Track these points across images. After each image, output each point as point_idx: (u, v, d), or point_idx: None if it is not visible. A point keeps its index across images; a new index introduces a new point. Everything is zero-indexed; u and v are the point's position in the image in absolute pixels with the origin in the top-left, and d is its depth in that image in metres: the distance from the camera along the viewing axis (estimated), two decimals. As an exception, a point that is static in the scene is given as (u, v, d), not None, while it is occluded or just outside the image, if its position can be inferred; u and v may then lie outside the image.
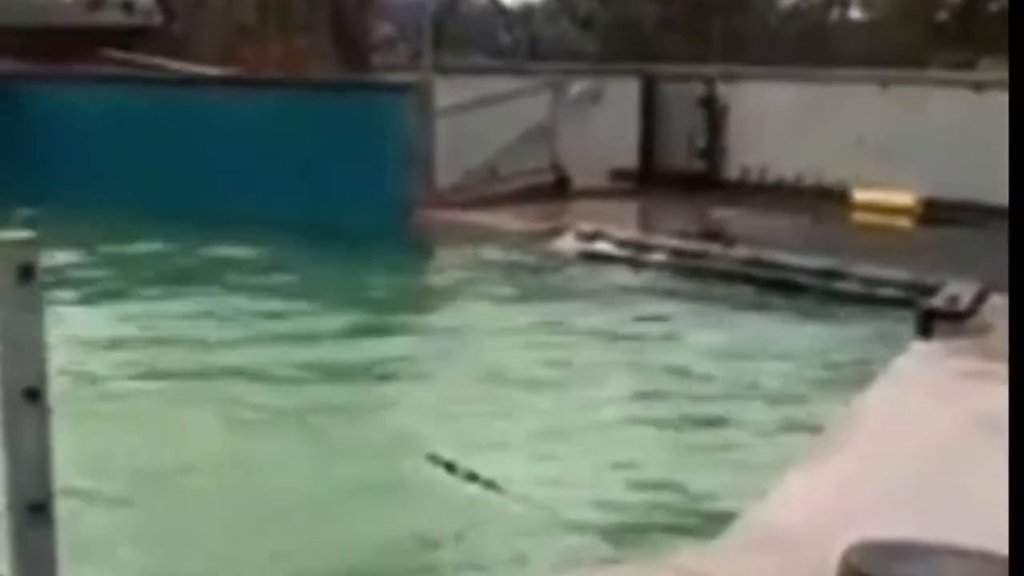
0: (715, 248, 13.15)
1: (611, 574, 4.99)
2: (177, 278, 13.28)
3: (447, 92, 16.55)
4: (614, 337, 10.94)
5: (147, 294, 12.71)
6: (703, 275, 12.58)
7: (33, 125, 17.16)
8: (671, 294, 12.23)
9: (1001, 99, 15.59)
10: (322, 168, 15.82)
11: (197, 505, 6.75)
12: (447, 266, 14.59)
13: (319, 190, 15.55)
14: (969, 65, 17.11)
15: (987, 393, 7.97)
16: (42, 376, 2.95)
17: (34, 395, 2.96)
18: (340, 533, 6.07)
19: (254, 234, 14.33)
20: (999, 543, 3.28)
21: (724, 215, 15.45)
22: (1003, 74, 17.35)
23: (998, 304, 10.24)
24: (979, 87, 15.73)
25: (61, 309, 10.90)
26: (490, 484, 5.50)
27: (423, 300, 13.15)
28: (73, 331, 10.03)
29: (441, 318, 12.16)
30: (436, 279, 14.39)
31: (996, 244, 13.54)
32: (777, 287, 11.87)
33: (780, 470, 6.32)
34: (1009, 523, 3.16)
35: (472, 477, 5.50)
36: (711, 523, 6.03)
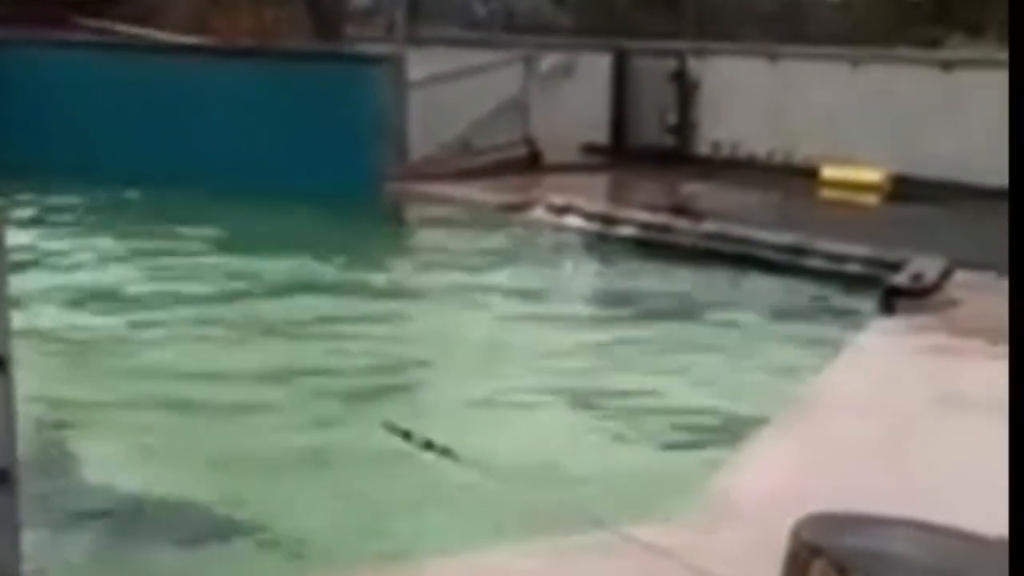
0: (683, 222, 13.24)
1: (569, 546, 5.06)
2: (146, 239, 13.35)
3: (421, 64, 16.56)
4: (573, 304, 11.06)
5: (121, 256, 12.75)
6: (671, 249, 12.66)
7: (5, 90, 17.09)
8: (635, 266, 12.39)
9: (968, 78, 15.83)
10: (294, 139, 15.81)
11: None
12: (417, 237, 14.65)
13: (290, 160, 15.54)
14: (937, 43, 17.20)
15: (950, 369, 8.10)
16: (6, 344, 2.96)
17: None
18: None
19: (224, 201, 14.35)
20: (956, 516, 3.37)
21: (694, 190, 15.56)
22: (970, 53, 17.43)
23: (963, 281, 10.37)
24: (947, 66, 15.84)
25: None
26: (445, 451, 5.56)
27: (390, 270, 13.16)
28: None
29: (408, 286, 12.22)
30: (405, 250, 14.43)
31: (962, 222, 13.80)
32: (744, 262, 11.97)
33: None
34: (1009, 521, 3.24)
35: (428, 445, 5.55)
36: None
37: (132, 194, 14.97)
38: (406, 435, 5.48)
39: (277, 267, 12.20)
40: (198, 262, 12.38)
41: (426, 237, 14.50)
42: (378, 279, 12.31)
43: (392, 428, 5.56)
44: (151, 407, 7.82)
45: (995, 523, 3.30)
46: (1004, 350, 8.31)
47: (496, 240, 13.59)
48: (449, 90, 16.79)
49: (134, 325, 10.08)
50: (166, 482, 6.46)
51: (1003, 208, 14.28)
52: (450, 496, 5.73)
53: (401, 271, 12.95)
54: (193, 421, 7.59)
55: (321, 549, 5.43)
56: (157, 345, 9.49)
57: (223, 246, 13.20)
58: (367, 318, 10.45)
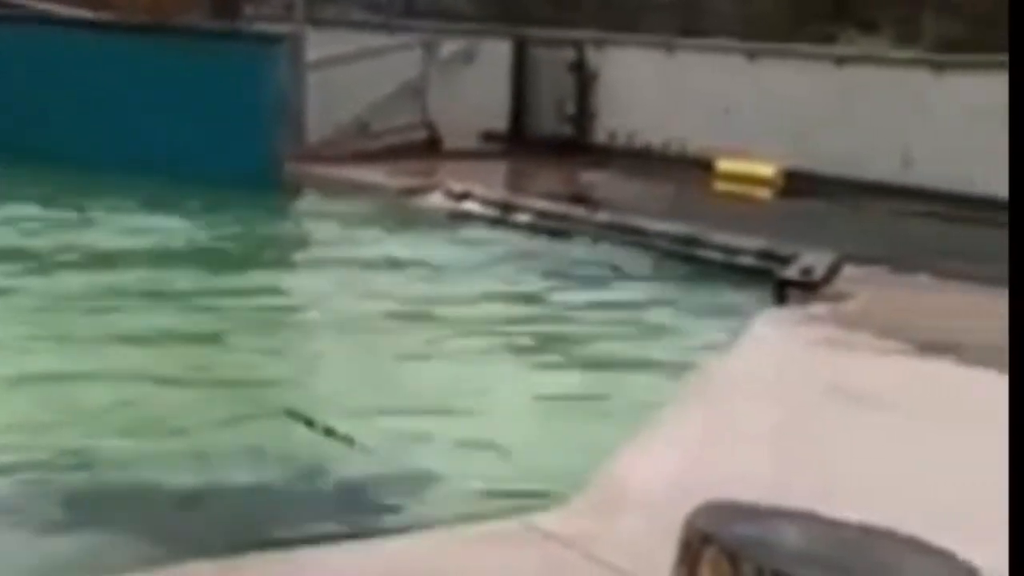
0: (580, 211, 13.37)
1: (469, 535, 5.10)
2: (45, 216, 13.17)
3: (320, 45, 16.50)
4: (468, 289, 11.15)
5: (15, 230, 12.58)
6: (568, 237, 12.77)
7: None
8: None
9: (860, 74, 16.13)
10: (190, 118, 15.64)
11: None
12: (313, 220, 14.62)
13: (187, 140, 15.38)
14: (832, 39, 17.49)
15: (839, 361, 8.26)
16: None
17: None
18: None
19: (117, 179, 14.19)
20: (845, 507, 3.45)
21: (591, 179, 15.72)
22: (863, 49, 17.77)
23: (851, 275, 10.60)
24: (840, 61, 16.12)
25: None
26: (347, 439, 5.57)
27: (282, 251, 13.10)
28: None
29: (301, 268, 12.20)
30: (299, 231, 14.38)
31: (852, 217, 14.06)
32: (639, 251, 12.10)
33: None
34: (1009, 523, 3.32)
35: (329, 432, 5.57)
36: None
37: (25, 169, 14.73)
38: (308, 423, 5.49)
39: (165, 243, 12.10)
40: (79, 236, 12.23)
41: (321, 221, 14.45)
42: (271, 258, 12.27)
43: (295, 415, 5.56)
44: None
45: (884, 514, 3.40)
46: (891, 344, 8.56)
47: (392, 223, 13.61)
48: (348, 72, 16.76)
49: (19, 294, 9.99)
50: (46, 450, 6.39)
51: (891, 204, 14.64)
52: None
53: (297, 252, 12.92)
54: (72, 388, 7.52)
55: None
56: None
57: (108, 223, 13.04)
58: (248, 295, 10.39)
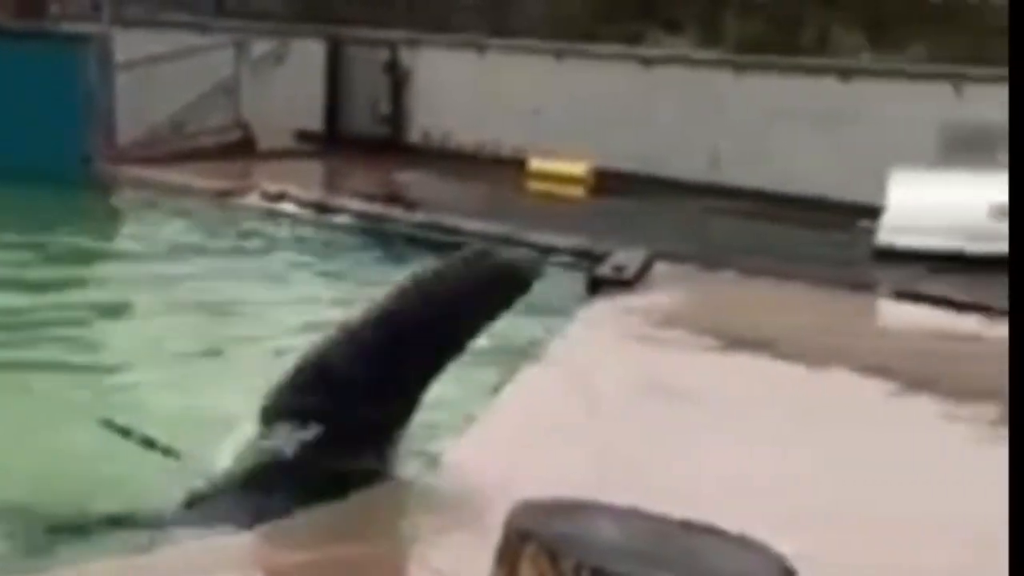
0: (397, 211, 13.42)
1: (288, 533, 5.09)
2: None
3: (129, 45, 16.24)
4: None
5: None
6: (385, 237, 12.80)
7: None
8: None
9: (664, 74, 16.44)
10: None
11: None
12: (122, 220, 14.38)
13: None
14: (638, 38, 17.78)
15: (653, 357, 8.46)
16: None
17: None
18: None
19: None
20: (663, 503, 3.52)
21: (406, 179, 15.77)
22: (667, 50, 18.10)
23: (662, 272, 10.83)
24: (647, 62, 16.42)
25: None
26: (168, 451, 5.49)
27: (88, 253, 12.82)
28: None
29: (108, 272, 12.00)
30: (108, 232, 14.11)
31: (663, 215, 14.36)
32: (455, 251, 12.15)
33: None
34: (1009, 524, 3.41)
35: (149, 443, 5.48)
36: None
37: None
38: (125, 432, 5.39)
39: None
40: None
41: (132, 222, 14.24)
42: (76, 260, 12.03)
43: (110, 425, 5.45)
44: None
45: (702, 508, 3.50)
46: (704, 340, 8.77)
47: (206, 225, 13.47)
48: (158, 73, 16.55)
49: None
50: None
51: (700, 202, 14.95)
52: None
53: (103, 254, 12.71)
54: None
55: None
56: None
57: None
58: (53, 296, 10.19)
